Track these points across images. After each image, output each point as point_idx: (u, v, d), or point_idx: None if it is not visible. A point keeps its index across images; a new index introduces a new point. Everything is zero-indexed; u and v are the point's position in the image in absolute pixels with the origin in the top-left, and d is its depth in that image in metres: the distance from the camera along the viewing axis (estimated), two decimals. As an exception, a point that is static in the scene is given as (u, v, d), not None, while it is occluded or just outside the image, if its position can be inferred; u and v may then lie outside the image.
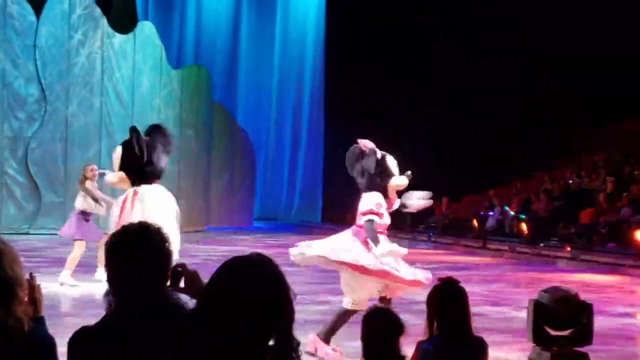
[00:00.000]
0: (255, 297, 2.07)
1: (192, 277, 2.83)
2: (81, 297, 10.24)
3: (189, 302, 2.75)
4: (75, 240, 11.20)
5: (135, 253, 2.67)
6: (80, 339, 2.70)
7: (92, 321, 2.78)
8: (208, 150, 22.62)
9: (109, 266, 2.72)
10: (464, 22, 24.16)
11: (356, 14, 24.84)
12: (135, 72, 20.51)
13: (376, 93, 24.15)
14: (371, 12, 24.42)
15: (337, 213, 25.35)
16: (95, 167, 11.94)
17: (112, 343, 2.61)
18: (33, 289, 2.95)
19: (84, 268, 11.33)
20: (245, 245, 18.16)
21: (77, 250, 11.17)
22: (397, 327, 3.79)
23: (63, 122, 19.77)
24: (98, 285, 10.65)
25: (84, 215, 11.31)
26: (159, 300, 2.69)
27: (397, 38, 24.46)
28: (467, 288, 4.14)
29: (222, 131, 23.31)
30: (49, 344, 2.87)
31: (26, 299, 2.89)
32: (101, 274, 11.01)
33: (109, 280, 2.73)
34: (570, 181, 21.24)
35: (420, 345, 4.04)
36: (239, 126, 24.20)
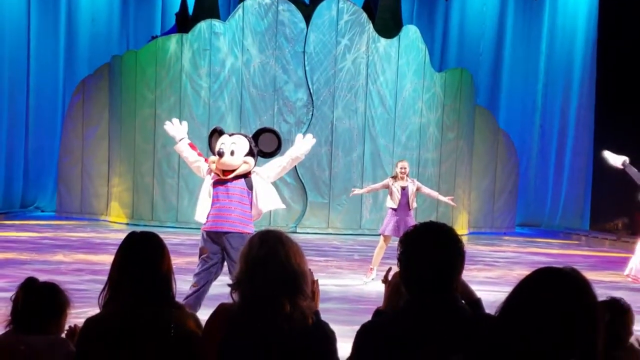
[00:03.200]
0: (565, 312, 1.99)
1: (462, 283, 2.83)
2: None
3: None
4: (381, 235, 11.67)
5: (432, 249, 2.68)
6: (367, 333, 2.74)
7: (361, 318, 2.78)
8: (469, 153, 22.41)
9: (405, 261, 2.71)
10: None
11: (631, 14, 23.44)
12: (398, 76, 20.75)
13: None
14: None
15: (604, 221, 24.12)
16: (405, 164, 12.03)
17: (397, 339, 2.62)
18: (313, 283, 3.04)
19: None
20: (509, 250, 17.78)
21: (378, 245, 11.60)
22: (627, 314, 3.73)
23: (329, 126, 20.41)
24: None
25: (393, 211, 11.60)
26: (448, 300, 2.65)
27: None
28: None
29: (484, 134, 22.99)
30: (331, 338, 2.94)
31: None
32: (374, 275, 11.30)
33: (403, 274, 2.72)
34: None
35: None
36: (501, 129, 23.73)
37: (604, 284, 12.03)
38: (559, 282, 2.06)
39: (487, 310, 3.06)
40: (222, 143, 7.22)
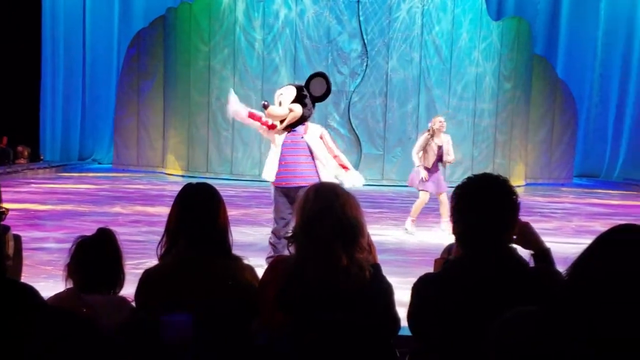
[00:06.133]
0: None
1: (523, 229, 2.79)
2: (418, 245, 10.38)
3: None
4: (419, 190, 11.41)
5: (485, 202, 2.65)
6: (423, 285, 2.73)
7: (417, 270, 2.78)
8: (526, 104, 22.04)
9: (457, 213, 2.68)
10: None
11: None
12: (454, 26, 20.41)
13: None
14: None
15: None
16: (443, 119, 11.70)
17: (452, 290, 2.62)
18: (367, 236, 3.02)
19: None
20: (566, 201, 17.56)
21: (419, 199, 11.40)
22: None
23: (383, 77, 20.22)
24: (440, 235, 10.89)
25: (426, 169, 11.37)
26: (502, 252, 2.62)
27: None
28: None
29: (542, 84, 22.58)
30: (388, 290, 2.92)
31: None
32: (445, 225, 11.20)
33: (455, 226, 2.72)
34: None
35: None
36: (560, 79, 23.28)
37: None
38: (636, 241, 1.99)
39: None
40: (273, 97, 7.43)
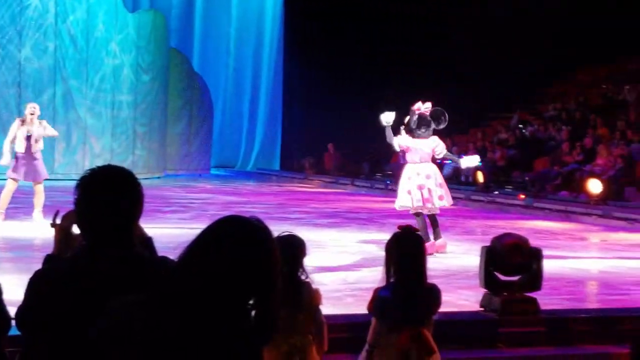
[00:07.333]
0: (243, 260, 2.10)
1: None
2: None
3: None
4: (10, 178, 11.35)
5: (110, 194, 2.62)
6: (41, 280, 2.64)
7: (20, 264, 2.75)
8: (164, 96, 22.41)
9: (81, 206, 2.61)
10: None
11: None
12: (90, 16, 20.15)
13: (338, 41, 23.99)
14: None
15: (293, 161, 25.40)
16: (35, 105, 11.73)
17: (74, 285, 2.56)
18: None
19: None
20: (203, 191, 18.17)
21: (6, 188, 11.29)
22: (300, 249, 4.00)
23: (16, 66, 19.43)
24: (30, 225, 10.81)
25: (20, 155, 11.29)
26: (128, 246, 2.63)
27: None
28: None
29: (179, 77, 23.09)
30: None
31: None
32: (37, 215, 11.17)
33: (79, 220, 2.65)
34: (525, 130, 21.55)
35: (377, 292, 4.17)
36: (196, 73, 23.98)
37: (290, 220, 12.66)
38: (240, 232, 2.18)
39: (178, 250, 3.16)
40: None
